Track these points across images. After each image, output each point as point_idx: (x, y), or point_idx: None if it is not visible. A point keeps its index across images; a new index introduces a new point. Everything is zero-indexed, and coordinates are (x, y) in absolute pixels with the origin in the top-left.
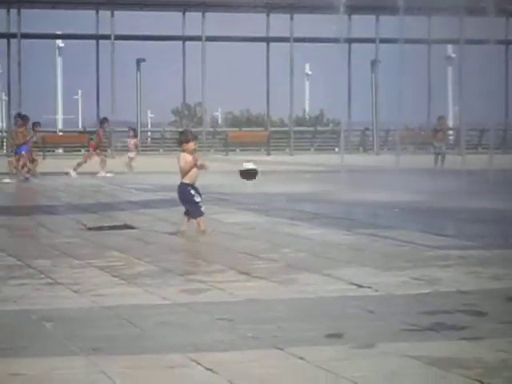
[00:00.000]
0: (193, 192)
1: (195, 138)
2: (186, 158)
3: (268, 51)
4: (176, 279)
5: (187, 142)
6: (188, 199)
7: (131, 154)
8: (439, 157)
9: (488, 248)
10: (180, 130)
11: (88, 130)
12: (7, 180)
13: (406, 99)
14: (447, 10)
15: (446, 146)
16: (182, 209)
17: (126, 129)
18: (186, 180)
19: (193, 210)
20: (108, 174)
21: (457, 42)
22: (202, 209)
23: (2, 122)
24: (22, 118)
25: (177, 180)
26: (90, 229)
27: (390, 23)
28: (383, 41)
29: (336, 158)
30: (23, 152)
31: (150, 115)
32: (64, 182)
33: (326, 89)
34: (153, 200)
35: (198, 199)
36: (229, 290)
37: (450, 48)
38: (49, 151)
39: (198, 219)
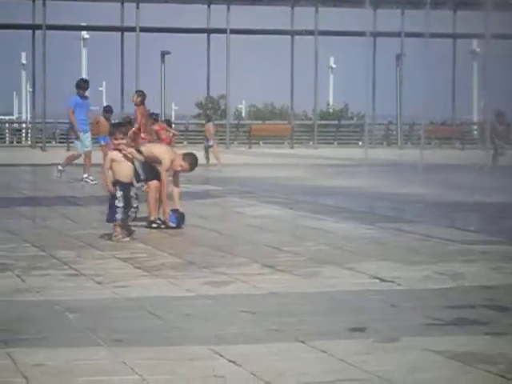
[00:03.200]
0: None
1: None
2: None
3: (292, 44)
4: (200, 271)
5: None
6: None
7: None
8: (497, 153)
9: None
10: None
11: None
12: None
13: (431, 93)
14: (473, 5)
15: (505, 143)
16: (205, 202)
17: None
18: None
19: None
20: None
21: (482, 37)
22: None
23: (27, 113)
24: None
25: (200, 172)
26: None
27: (416, 17)
28: (408, 35)
29: (360, 152)
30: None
31: (174, 107)
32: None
33: (351, 82)
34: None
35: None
36: (252, 282)
37: (475, 42)
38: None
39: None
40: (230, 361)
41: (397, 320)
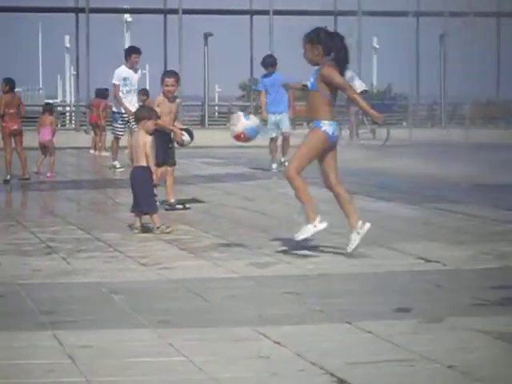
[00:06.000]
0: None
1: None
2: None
3: (335, 25)
4: (244, 253)
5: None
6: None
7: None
8: None
9: None
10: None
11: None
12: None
13: (475, 73)
14: None
15: None
16: (250, 183)
17: (194, 103)
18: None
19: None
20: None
21: None
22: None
23: (71, 96)
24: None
25: (245, 154)
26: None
27: None
28: (452, 14)
29: (404, 132)
30: None
31: (217, 89)
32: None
33: (394, 63)
34: (221, 174)
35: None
36: (296, 263)
37: None
38: None
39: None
40: (275, 342)
41: (442, 300)
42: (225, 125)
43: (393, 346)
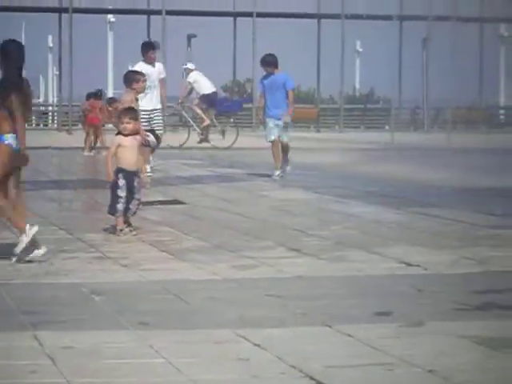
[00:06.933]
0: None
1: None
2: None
3: (319, 28)
4: (226, 255)
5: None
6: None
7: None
8: None
9: None
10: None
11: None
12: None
13: (457, 78)
14: None
15: None
16: (234, 185)
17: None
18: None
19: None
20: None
21: (511, 21)
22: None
23: (53, 96)
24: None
25: (227, 156)
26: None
27: (442, 0)
28: (436, 18)
29: (386, 136)
30: None
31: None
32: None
33: (377, 66)
34: (201, 175)
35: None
36: (278, 266)
37: (503, 27)
38: None
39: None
40: (255, 344)
41: (423, 304)
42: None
43: (373, 350)
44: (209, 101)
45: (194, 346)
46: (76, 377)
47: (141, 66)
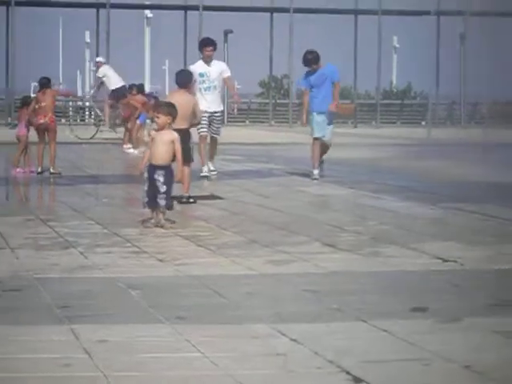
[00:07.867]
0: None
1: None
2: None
3: (356, 23)
4: (262, 250)
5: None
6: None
7: None
8: None
9: None
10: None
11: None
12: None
13: (494, 73)
14: None
15: None
16: (271, 180)
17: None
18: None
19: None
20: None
21: None
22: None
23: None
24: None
25: (264, 151)
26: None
27: None
28: (473, 14)
29: (423, 132)
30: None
31: (237, 86)
32: None
33: (414, 62)
34: (240, 171)
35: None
36: (314, 261)
37: None
38: None
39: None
40: (291, 339)
41: (459, 300)
42: (244, 122)
43: (409, 345)
44: (117, 96)
45: (230, 341)
46: (111, 370)
47: (197, 66)
